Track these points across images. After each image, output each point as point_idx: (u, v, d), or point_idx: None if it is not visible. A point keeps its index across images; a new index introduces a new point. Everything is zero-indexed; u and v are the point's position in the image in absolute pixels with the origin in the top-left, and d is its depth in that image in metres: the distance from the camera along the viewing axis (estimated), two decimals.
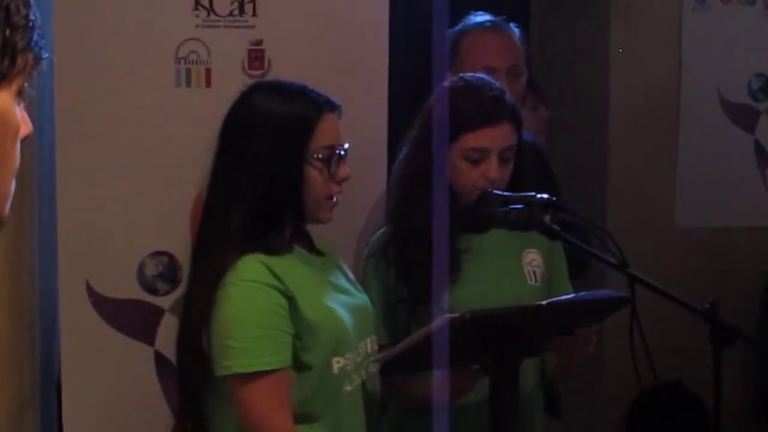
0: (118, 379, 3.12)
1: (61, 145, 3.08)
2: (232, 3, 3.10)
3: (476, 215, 2.61)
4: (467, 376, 2.50)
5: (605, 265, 2.46)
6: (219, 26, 3.11)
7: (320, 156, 2.40)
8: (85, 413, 3.11)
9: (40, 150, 3.20)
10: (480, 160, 2.67)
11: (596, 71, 4.62)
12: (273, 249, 2.37)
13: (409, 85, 3.12)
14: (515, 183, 2.69)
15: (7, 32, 1.26)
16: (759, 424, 4.60)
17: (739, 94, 4.62)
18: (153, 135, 3.09)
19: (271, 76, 3.05)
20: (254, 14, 3.11)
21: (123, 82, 3.07)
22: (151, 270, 3.12)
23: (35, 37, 1.30)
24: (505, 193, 2.59)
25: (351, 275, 2.62)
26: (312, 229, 2.57)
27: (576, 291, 2.82)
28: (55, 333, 3.19)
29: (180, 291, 3.02)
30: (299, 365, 2.35)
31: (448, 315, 2.39)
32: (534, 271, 2.78)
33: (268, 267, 2.34)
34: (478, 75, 2.81)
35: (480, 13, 3.35)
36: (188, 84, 3.10)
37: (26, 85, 1.32)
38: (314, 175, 2.40)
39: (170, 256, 3.12)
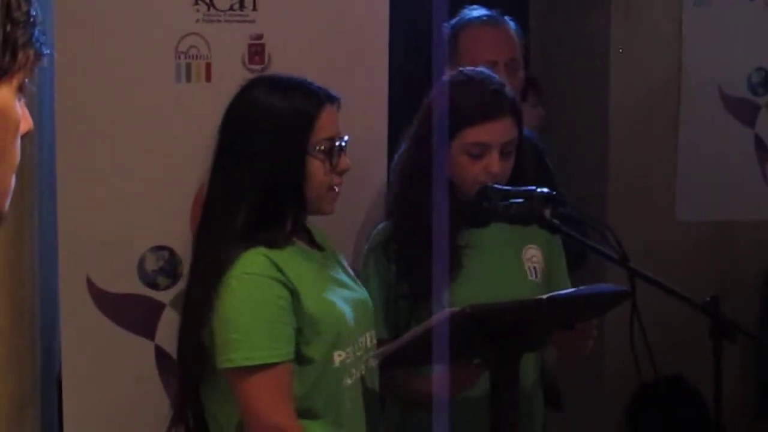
0: (119, 374, 3.12)
1: (61, 140, 3.07)
2: None
3: (476, 209, 2.61)
4: (468, 371, 2.51)
5: (606, 259, 2.46)
6: (219, 21, 3.10)
7: (322, 148, 2.41)
8: (85, 408, 3.12)
9: (40, 146, 3.20)
10: (481, 154, 2.66)
11: (596, 66, 4.62)
12: (275, 243, 2.38)
13: (409, 80, 3.13)
14: (516, 177, 2.69)
15: (8, 27, 1.26)
16: (760, 421, 4.61)
17: (739, 89, 4.62)
18: (153, 130, 3.09)
19: (272, 70, 3.05)
20: (254, 9, 3.11)
21: (123, 77, 3.07)
22: (151, 264, 3.12)
23: (36, 32, 1.30)
24: (506, 188, 2.58)
25: (350, 270, 2.63)
26: (311, 224, 2.57)
27: (573, 284, 2.82)
28: (55, 328, 3.19)
29: (180, 285, 3.03)
30: (301, 359, 2.36)
31: (448, 309, 2.39)
32: (534, 267, 2.78)
33: (271, 260, 2.35)
34: (478, 69, 2.80)
35: (475, 6, 3.35)
36: (188, 79, 3.10)
37: (27, 81, 1.32)
38: (316, 167, 2.41)
39: (171, 251, 3.12)
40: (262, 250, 2.35)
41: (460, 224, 2.71)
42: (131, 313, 3.11)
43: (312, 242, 2.54)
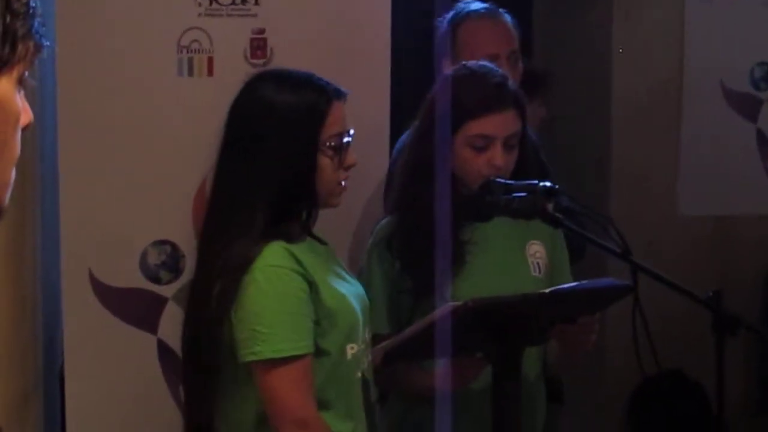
0: (121, 368, 3.12)
1: (63, 134, 3.08)
2: None
3: (479, 203, 2.61)
4: (471, 365, 2.51)
5: (608, 253, 2.46)
6: (221, 15, 3.10)
7: (331, 144, 2.40)
8: (87, 402, 3.12)
9: (42, 140, 3.20)
10: (485, 147, 2.65)
11: (599, 62, 4.62)
12: (292, 237, 2.38)
13: (411, 75, 3.12)
14: (520, 171, 2.68)
15: (8, 19, 1.26)
16: (762, 416, 4.61)
17: (741, 84, 4.62)
18: (155, 124, 3.09)
19: (274, 64, 3.05)
20: (256, 3, 3.11)
21: (125, 71, 3.07)
22: (153, 259, 3.13)
23: (36, 24, 1.29)
24: (508, 182, 2.58)
25: (343, 265, 2.63)
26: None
27: (572, 278, 2.82)
28: (58, 322, 3.20)
29: (183, 280, 3.03)
30: (317, 351, 2.36)
31: (451, 303, 2.39)
32: (538, 263, 2.78)
33: (291, 253, 2.35)
34: (480, 63, 2.80)
35: (471, 0, 3.34)
36: (190, 73, 3.10)
37: (27, 74, 1.32)
38: (326, 162, 2.40)
39: (173, 245, 3.12)
40: (282, 243, 2.35)
41: (463, 219, 2.70)
42: (133, 308, 3.11)
43: (314, 236, 2.54)
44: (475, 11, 3.28)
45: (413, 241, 2.69)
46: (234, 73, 2.81)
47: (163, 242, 3.12)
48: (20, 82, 1.30)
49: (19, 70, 1.29)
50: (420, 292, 2.67)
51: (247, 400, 2.37)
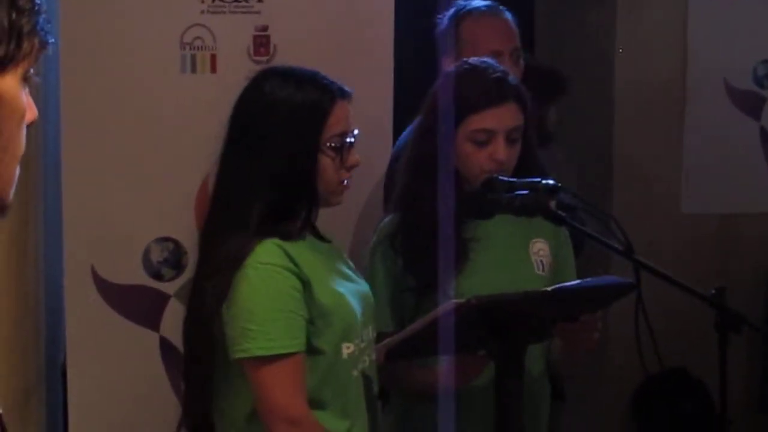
0: (123, 365, 3.13)
1: (66, 131, 3.08)
2: None
3: (481, 201, 2.60)
4: (473, 362, 2.50)
5: (611, 250, 2.46)
6: (224, 12, 3.10)
7: (333, 145, 2.39)
8: (90, 398, 3.12)
9: (45, 136, 3.20)
10: (487, 141, 2.65)
11: (602, 59, 4.61)
12: (290, 235, 2.38)
13: (414, 73, 3.12)
14: (524, 167, 2.68)
15: (13, 15, 1.26)
16: (765, 414, 4.60)
17: (744, 81, 4.61)
18: (158, 121, 3.10)
19: (277, 62, 3.05)
20: (259, 0, 3.11)
21: (128, 68, 3.08)
22: (156, 256, 3.13)
23: (41, 21, 1.29)
24: (510, 179, 2.57)
25: (351, 263, 2.63)
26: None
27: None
28: (60, 319, 3.20)
29: (185, 277, 3.03)
30: (311, 350, 2.36)
31: (454, 301, 2.38)
32: (541, 261, 2.77)
33: (284, 250, 2.35)
34: (482, 59, 2.79)
35: None
36: (194, 70, 3.10)
37: (32, 71, 1.32)
38: (327, 162, 2.40)
39: (175, 242, 3.13)
40: (276, 241, 2.35)
41: (465, 216, 2.70)
42: (136, 304, 3.12)
43: (318, 235, 2.54)
44: (477, 8, 3.27)
45: (416, 239, 2.69)
46: (237, 70, 2.82)
47: (165, 239, 3.13)
48: (25, 79, 1.31)
49: (24, 67, 1.29)
50: (423, 289, 2.67)
51: (239, 395, 2.37)
